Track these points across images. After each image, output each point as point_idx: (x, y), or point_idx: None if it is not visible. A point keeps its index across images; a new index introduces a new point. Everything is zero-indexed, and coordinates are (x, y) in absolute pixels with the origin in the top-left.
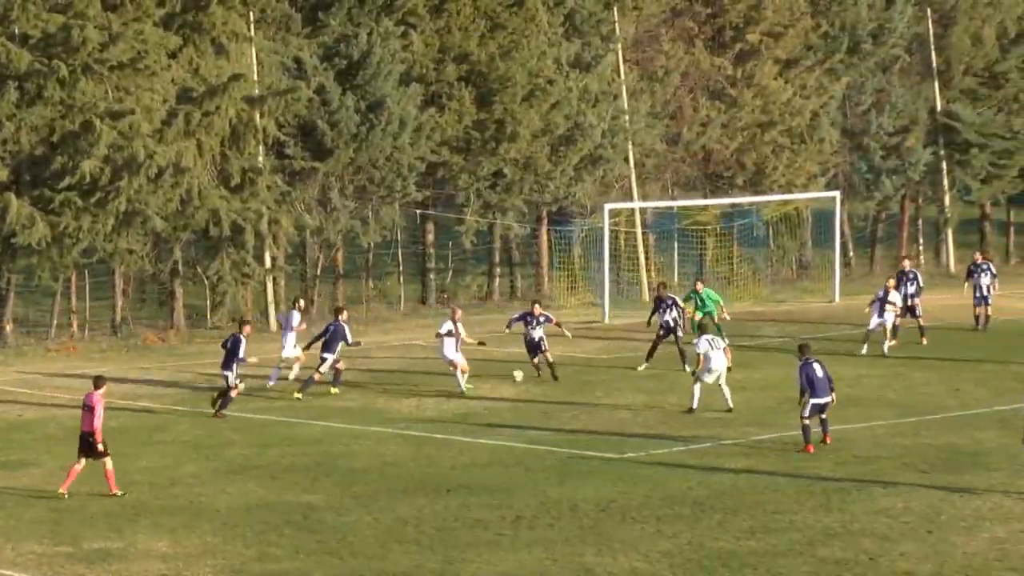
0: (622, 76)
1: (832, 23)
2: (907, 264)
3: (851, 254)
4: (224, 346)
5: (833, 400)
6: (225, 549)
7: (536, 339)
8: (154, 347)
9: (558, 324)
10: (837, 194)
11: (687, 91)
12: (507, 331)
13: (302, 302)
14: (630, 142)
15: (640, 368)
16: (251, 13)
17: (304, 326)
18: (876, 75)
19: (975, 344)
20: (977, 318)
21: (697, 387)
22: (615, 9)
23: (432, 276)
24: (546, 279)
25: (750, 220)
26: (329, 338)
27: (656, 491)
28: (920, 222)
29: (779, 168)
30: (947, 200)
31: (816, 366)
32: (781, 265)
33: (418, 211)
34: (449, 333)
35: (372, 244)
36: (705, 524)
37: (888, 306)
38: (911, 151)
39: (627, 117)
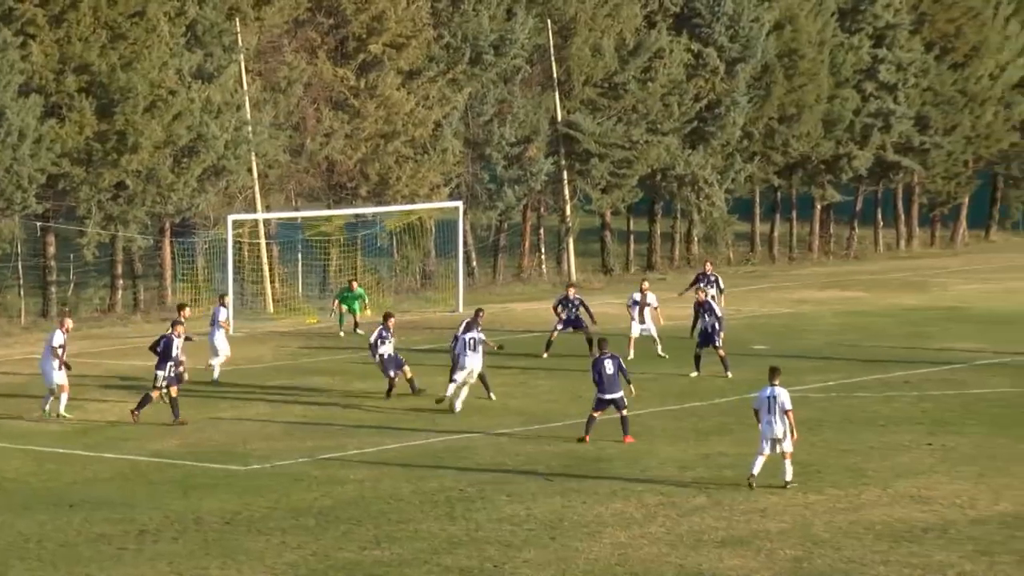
0: (245, 87)
1: (454, 34)
2: (709, 267)
3: (474, 263)
4: (155, 349)
5: (631, 394)
6: None
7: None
8: None
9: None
10: (460, 204)
11: (310, 102)
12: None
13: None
14: (253, 153)
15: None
16: None
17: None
18: (498, 86)
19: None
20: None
21: (452, 386)
22: (237, 20)
23: (54, 289)
24: (170, 291)
25: (374, 230)
26: None
27: (281, 502)
28: (542, 231)
29: (402, 178)
30: (568, 210)
31: (608, 362)
32: (405, 275)
33: (39, 223)
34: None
35: None
36: (330, 535)
37: (647, 309)
38: (533, 161)
39: (250, 128)
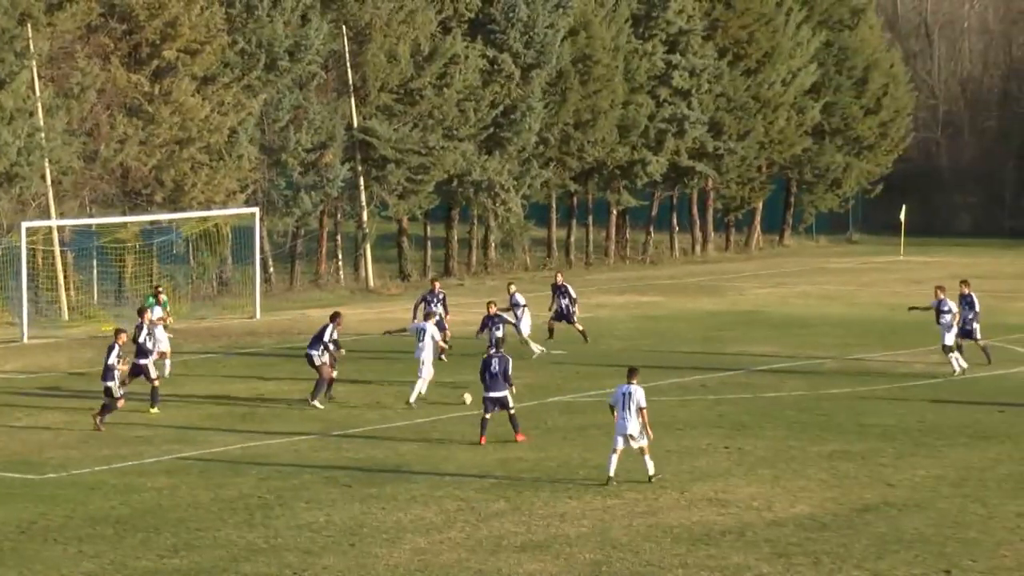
0: (37, 93)
1: (249, 40)
2: (560, 278)
3: (271, 270)
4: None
5: (511, 393)
6: None
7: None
8: None
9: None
10: (256, 210)
11: (104, 108)
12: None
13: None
14: (47, 160)
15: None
16: None
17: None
18: (294, 91)
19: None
20: (551, 331)
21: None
22: (29, 25)
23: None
24: None
25: (170, 237)
26: None
27: (78, 511)
28: (339, 237)
29: (198, 185)
30: (365, 216)
31: (494, 362)
32: (202, 281)
33: None
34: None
35: None
36: (128, 543)
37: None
38: (329, 167)
39: (43, 134)
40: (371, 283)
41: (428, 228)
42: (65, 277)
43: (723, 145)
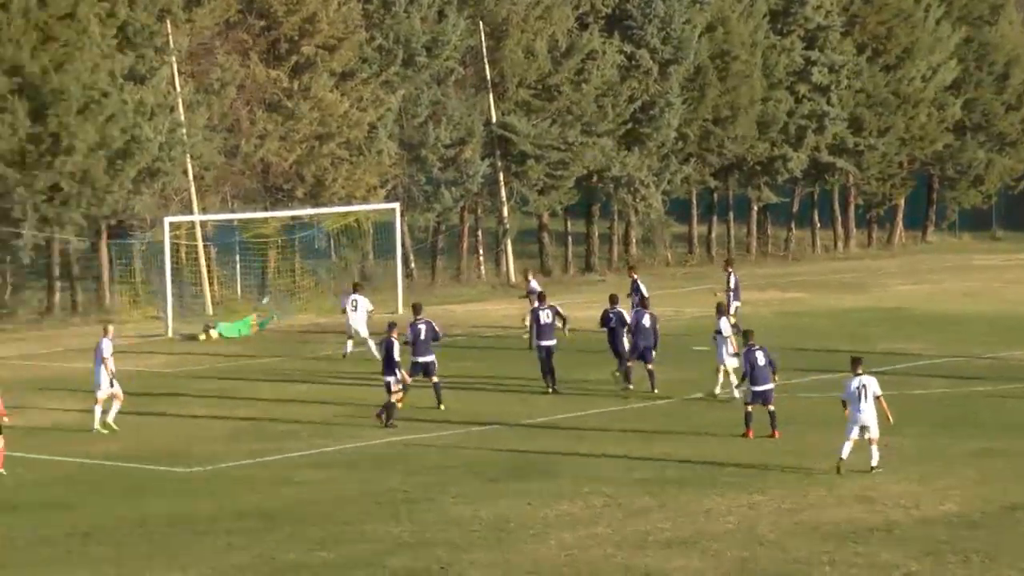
0: (178, 88)
1: (386, 36)
2: (634, 274)
3: (412, 265)
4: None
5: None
6: None
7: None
8: None
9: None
10: (397, 206)
11: (244, 103)
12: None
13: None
14: (188, 155)
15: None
16: None
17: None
18: (432, 87)
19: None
20: None
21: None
22: (168, 22)
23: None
24: (108, 293)
25: (312, 232)
26: None
27: (226, 505)
28: (480, 233)
29: (339, 180)
30: (505, 211)
31: (759, 353)
32: (344, 276)
33: None
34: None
35: None
36: (275, 536)
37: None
38: (469, 163)
39: (184, 130)
40: (512, 278)
41: (568, 223)
42: (208, 272)
43: (863, 141)
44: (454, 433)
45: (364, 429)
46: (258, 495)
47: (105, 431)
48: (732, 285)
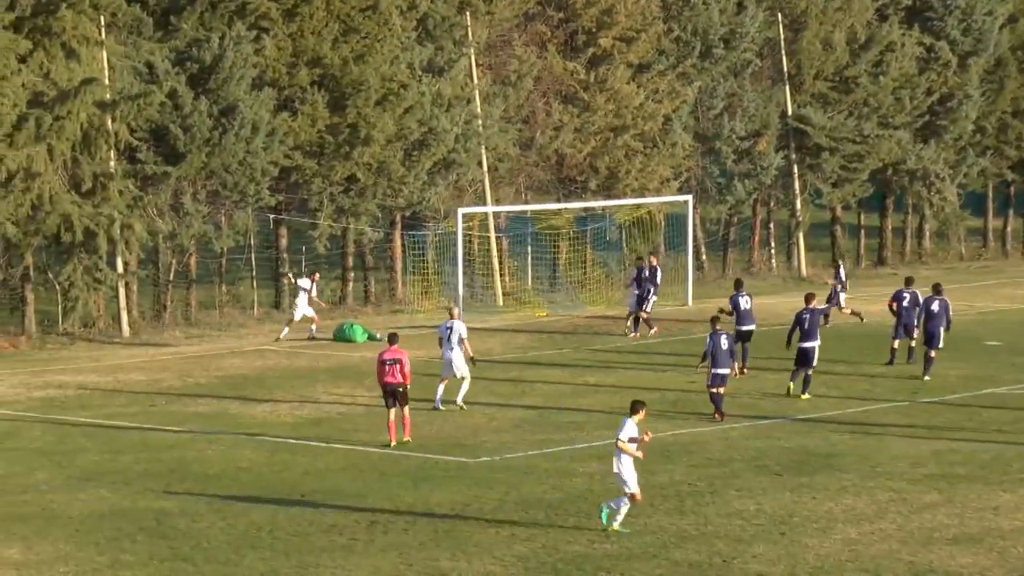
0: (475, 80)
1: (684, 28)
2: (654, 260)
3: (704, 257)
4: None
5: (735, 373)
6: (78, 556)
7: None
8: (4, 353)
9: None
10: (689, 198)
11: (540, 95)
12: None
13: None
14: (483, 146)
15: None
16: (102, 17)
17: None
18: (728, 79)
19: (825, 346)
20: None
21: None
22: (468, 14)
23: (285, 281)
24: (400, 284)
25: (603, 224)
26: None
27: (510, 495)
28: (772, 225)
29: (632, 172)
30: (799, 204)
31: (723, 339)
32: (634, 269)
33: (271, 216)
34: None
35: (225, 249)
36: (559, 527)
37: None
38: (763, 155)
39: (480, 121)
40: (804, 271)
41: (861, 216)
42: (500, 263)
43: None
44: (739, 427)
45: (648, 421)
46: (543, 486)
47: (464, 407)
48: (842, 279)
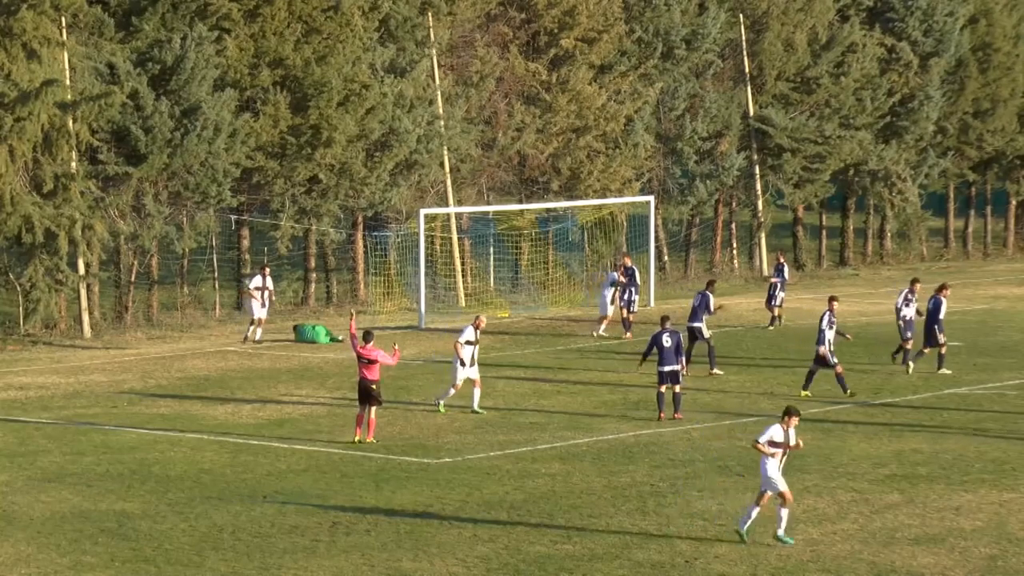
0: (437, 81)
1: (646, 29)
2: (628, 261)
3: (666, 258)
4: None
5: (683, 370)
6: (39, 558)
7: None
8: None
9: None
10: (651, 199)
11: (502, 96)
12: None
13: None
14: (445, 147)
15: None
16: (63, 18)
17: None
18: (690, 80)
19: (786, 347)
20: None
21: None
22: (429, 14)
23: (247, 282)
24: (362, 284)
25: (566, 225)
26: None
27: (472, 496)
28: (734, 226)
29: (594, 173)
30: (760, 205)
31: (666, 336)
32: (596, 269)
33: (233, 217)
34: (469, 342)
35: (187, 250)
36: (522, 528)
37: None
38: (725, 156)
39: (442, 122)
40: (765, 272)
41: (823, 217)
42: (462, 264)
43: None
44: (701, 427)
45: (611, 422)
46: (505, 487)
47: (483, 412)
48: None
